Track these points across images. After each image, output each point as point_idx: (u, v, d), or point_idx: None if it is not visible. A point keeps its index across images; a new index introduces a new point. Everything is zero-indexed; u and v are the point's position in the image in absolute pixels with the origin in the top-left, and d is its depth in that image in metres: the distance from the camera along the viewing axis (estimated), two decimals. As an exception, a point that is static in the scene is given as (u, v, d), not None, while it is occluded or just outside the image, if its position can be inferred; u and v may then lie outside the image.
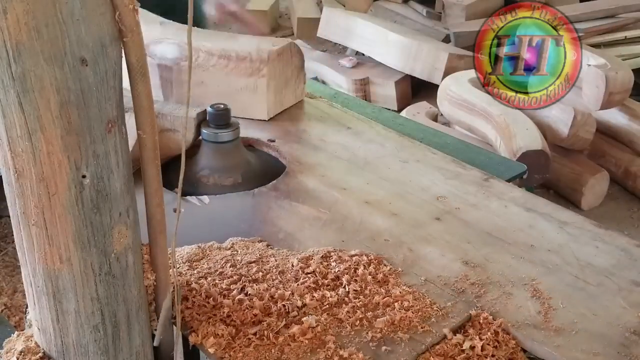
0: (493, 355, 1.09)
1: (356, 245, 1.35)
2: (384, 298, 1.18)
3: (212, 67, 1.81)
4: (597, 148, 3.49)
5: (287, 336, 1.10)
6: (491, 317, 1.16)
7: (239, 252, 1.31)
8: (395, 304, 1.17)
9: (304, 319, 1.12)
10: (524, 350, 1.12)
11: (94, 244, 0.94)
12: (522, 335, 1.14)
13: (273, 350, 1.08)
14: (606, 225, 1.45)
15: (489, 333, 1.12)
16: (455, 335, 1.13)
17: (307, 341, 1.10)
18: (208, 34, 2.00)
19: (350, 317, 1.14)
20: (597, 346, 1.12)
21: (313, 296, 1.18)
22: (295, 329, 1.11)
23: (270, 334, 1.10)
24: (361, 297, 1.19)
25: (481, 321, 1.15)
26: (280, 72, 1.84)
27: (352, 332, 1.12)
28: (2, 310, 1.98)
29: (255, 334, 1.11)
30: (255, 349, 1.08)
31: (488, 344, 1.10)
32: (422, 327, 1.13)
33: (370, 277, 1.24)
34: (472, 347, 1.10)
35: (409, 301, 1.18)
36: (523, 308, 1.19)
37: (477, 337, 1.12)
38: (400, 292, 1.20)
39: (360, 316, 1.15)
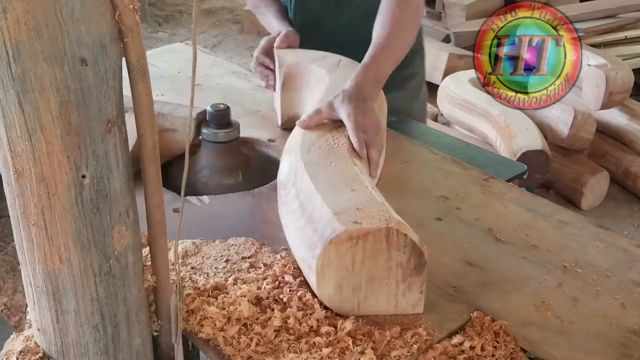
0: (493, 355, 1.09)
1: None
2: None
3: (290, 214, 1.29)
4: (597, 148, 3.49)
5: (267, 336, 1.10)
6: (491, 317, 1.16)
7: (234, 247, 1.31)
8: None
9: (289, 320, 1.12)
10: (524, 351, 1.12)
11: (94, 244, 0.94)
12: (522, 335, 1.13)
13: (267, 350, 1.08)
14: (606, 225, 1.45)
15: (489, 333, 1.12)
16: (455, 336, 1.13)
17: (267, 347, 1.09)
18: (323, 165, 1.34)
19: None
20: (597, 346, 1.12)
21: (298, 295, 1.17)
22: (270, 329, 1.11)
23: (261, 339, 1.10)
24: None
25: (481, 321, 1.15)
26: (356, 265, 1.12)
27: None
28: (2, 310, 1.98)
29: (244, 332, 1.11)
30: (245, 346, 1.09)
31: (488, 344, 1.10)
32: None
33: None
34: (472, 347, 1.10)
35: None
36: (523, 308, 1.19)
37: (477, 337, 1.12)
38: None
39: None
